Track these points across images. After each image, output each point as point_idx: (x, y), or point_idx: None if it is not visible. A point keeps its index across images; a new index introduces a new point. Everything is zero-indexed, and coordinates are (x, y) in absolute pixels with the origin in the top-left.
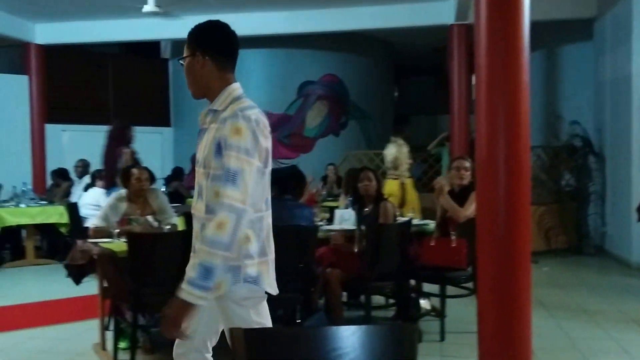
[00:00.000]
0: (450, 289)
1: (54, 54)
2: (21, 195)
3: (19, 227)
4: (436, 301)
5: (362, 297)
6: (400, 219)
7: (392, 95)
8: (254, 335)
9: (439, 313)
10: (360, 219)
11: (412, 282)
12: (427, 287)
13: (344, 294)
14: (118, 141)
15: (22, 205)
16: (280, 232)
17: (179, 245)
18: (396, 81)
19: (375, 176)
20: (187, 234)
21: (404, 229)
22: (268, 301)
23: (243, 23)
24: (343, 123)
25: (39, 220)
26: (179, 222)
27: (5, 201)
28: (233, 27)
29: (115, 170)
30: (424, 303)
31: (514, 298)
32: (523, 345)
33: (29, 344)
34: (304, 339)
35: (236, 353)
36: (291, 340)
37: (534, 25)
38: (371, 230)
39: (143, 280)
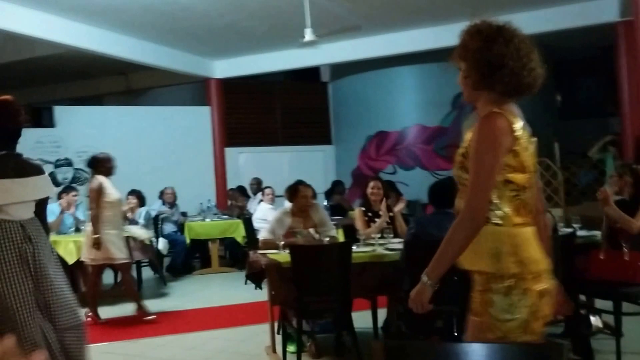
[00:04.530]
0: (627, 306)
1: (229, 86)
2: (206, 211)
3: (206, 239)
4: (611, 319)
5: None
6: (564, 230)
7: (554, 99)
8: (393, 347)
9: (614, 331)
10: None
11: (582, 297)
12: (600, 303)
13: None
14: None
15: (208, 220)
16: (437, 245)
17: (338, 256)
18: (559, 84)
19: None
20: (346, 245)
21: (566, 241)
22: (426, 314)
23: (394, 42)
24: None
25: (219, 232)
26: (339, 234)
27: (194, 216)
28: (385, 47)
29: None
30: (595, 320)
31: None
32: None
33: (211, 344)
34: (444, 353)
35: None
36: (430, 354)
37: None
38: None
39: (305, 288)
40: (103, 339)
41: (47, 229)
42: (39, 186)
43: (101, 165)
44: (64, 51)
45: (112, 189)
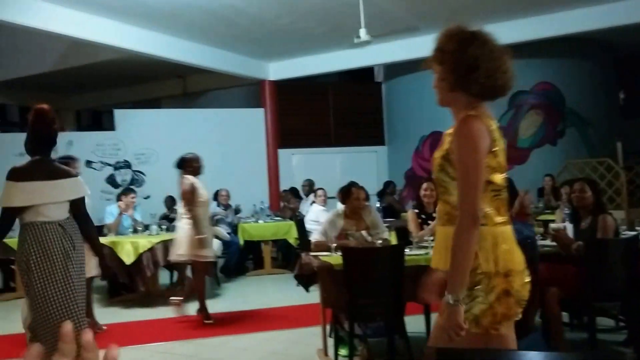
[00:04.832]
0: None
1: (283, 87)
2: (260, 212)
3: (259, 241)
4: None
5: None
6: (627, 233)
7: (616, 97)
8: (446, 353)
9: None
10: (577, 233)
11: None
12: None
13: (565, 314)
14: None
15: (261, 221)
16: None
17: (390, 258)
18: (621, 82)
19: (592, 187)
20: (398, 248)
21: (630, 245)
22: None
23: None
24: (560, 131)
25: (271, 234)
26: (392, 237)
27: (247, 218)
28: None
29: None
30: None
31: None
32: None
33: (263, 345)
34: None
35: None
36: None
37: None
38: (589, 246)
39: (357, 291)
40: (157, 338)
41: (91, 226)
42: (69, 188)
43: (189, 165)
44: (124, 56)
45: (202, 188)
